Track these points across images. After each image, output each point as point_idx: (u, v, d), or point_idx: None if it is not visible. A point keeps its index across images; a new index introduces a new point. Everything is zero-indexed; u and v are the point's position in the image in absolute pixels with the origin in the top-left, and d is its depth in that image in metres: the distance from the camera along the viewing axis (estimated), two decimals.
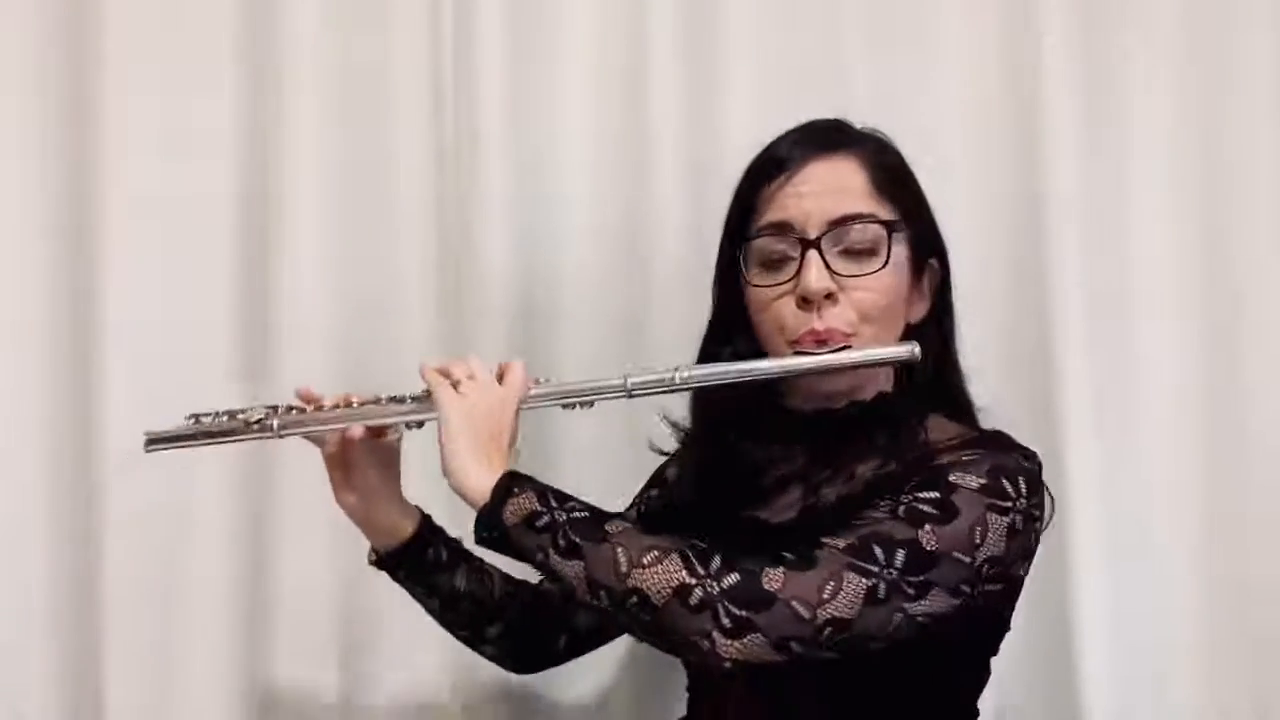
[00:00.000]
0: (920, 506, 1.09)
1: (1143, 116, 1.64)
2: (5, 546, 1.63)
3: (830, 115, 1.29)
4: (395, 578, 1.35)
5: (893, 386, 1.25)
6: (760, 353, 1.24)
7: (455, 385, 1.19)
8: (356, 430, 1.25)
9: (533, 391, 1.23)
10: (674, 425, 1.36)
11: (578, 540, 1.08)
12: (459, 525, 1.27)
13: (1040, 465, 1.17)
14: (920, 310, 1.27)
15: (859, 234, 1.19)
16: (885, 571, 1.06)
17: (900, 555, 1.06)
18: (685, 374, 1.21)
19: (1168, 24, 1.64)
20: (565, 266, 1.67)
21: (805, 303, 1.19)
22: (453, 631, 1.40)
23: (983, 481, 1.11)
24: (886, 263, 1.19)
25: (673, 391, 1.23)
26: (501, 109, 1.65)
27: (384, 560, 1.33)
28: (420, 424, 1.26)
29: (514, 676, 1.50)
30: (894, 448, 1.20)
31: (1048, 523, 1.20)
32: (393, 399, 1.26)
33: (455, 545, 1.34)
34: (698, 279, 1.40)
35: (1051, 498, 1.20)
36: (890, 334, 1.22)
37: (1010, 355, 1.60)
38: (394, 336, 1.67)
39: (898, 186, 1.23)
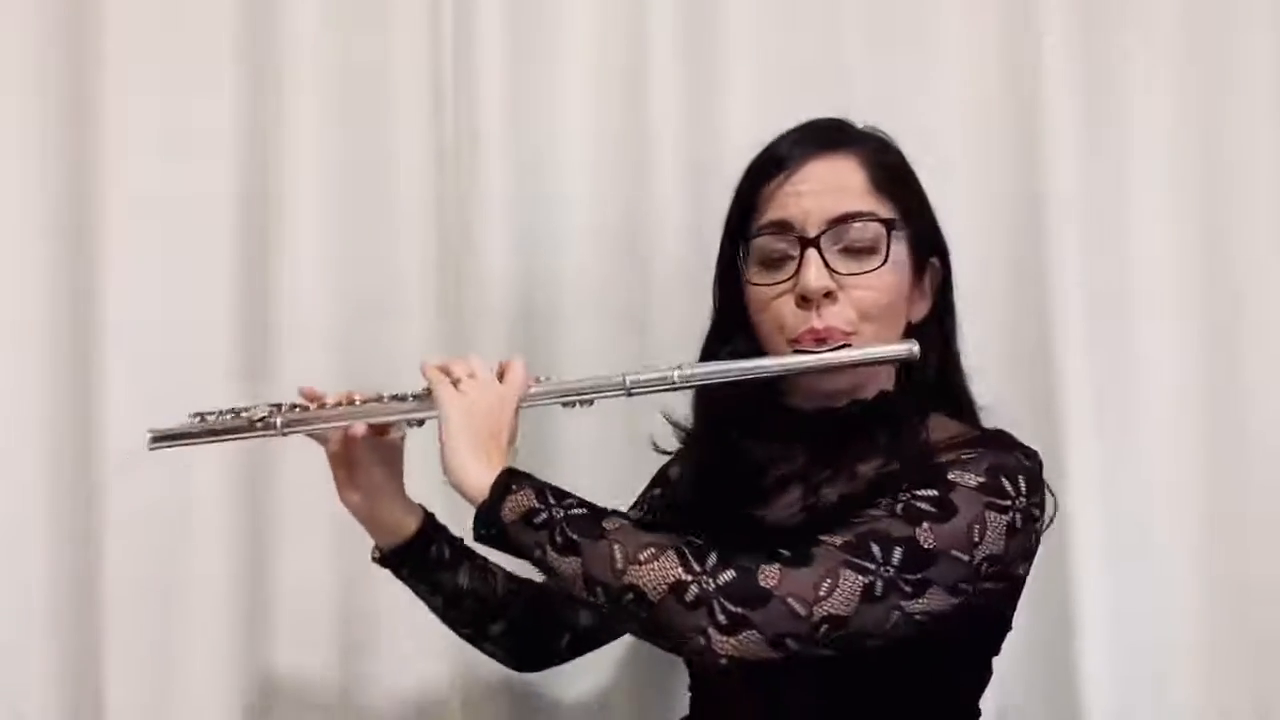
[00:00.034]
0: (918, 505, 1.09)
1: (1143, 116, 1.64)
2: (5, 546, 1.63)
3: (830, 115, 1.29)
4: (399, 575, 1.35)
5: (894, 385, 1.25)
6: (761, 352, 1.24)
7: (456, 383, 1.19)
8: (359, 428, 1.26)
9: (533, 390, 1.23)
10: (675, 424, 1.36)
11: (575, 537, 1.08)
12: (459, 524, 1.27)
13: (1041, 464, 1.17)
14: (922, 309, 1.27)
15: (858, 232, 1.19)
16: (882, 569, 1.06)
17: (898, 553, 1.06)
18: (684, 373, 1.21)
19: (1168, 24, 1.64)
20: (565, 266, 1.67)
21: (805, 301, 1.19)
22: (456, 629, 1.40)
23: (982, 480, 1.11)
24: (885, 261, 1.19)
25: (672, 390, 1.22)
26: (501, 109, 1.65)
27: (387, 558, 1.34)
28: (421, 422, 1.26)
29: (514, 676, 1.50)
30: (895, 447, 1.20)
31: (1049, 522, 1.20)
32: (395, 397, 1.26)
33: (458, 543, 1.35)
34: (698, 279, 1.40)
35: (1054, 497, 1.20)
36: (891, 333, 1.22)
37: (1010, 355, 1.60)
38: (394, 336, 1.67)
39: (898, 185, 1.23)
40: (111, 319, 1.63)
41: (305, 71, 1.67)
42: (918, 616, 1.07)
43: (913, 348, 1.18)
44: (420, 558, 1.33)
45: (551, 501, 1.11)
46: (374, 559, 1.35)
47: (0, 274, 1.65)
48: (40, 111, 1.66)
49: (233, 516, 1.63)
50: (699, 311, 1.34)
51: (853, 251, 1.19)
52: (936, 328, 1.27)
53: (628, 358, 1.53)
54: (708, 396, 1.31)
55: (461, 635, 1.41)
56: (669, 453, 1.39)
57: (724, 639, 1.04)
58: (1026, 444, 1.19)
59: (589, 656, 1.48)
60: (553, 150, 1.68)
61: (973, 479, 1.11)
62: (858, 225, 1.19)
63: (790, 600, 1.04)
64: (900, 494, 1.11)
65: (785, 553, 1.07)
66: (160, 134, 1.66)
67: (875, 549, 1.06)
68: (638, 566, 1.06)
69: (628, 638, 1.52)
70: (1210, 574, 1.61)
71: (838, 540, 1.07)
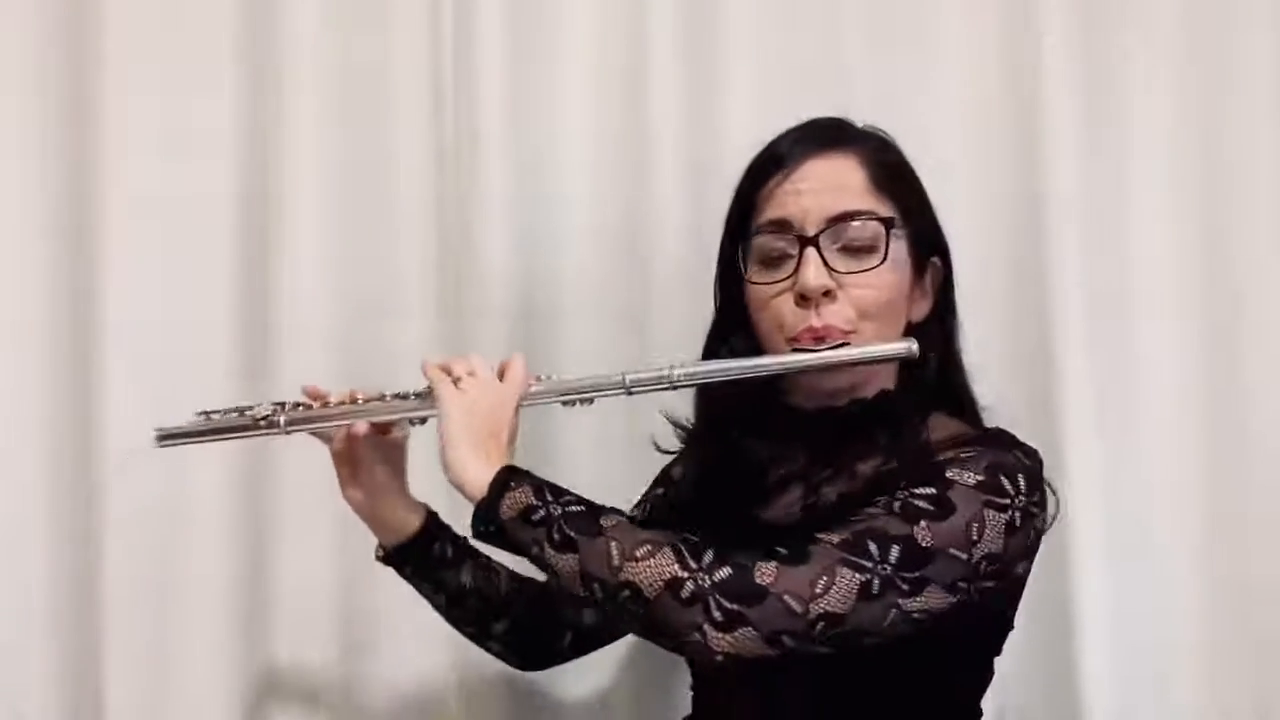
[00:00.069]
0: (916, 503, 1.09)
1: (1143, 116, 1.64)
2: (5, 546, 1.63)
3: (831, 115, 1.29)
4: (402, 574, 1.36)
5: (895, 384, 1.25)
6: (760, 350, 1.24)
7: (456, 382, 1.20)
8: (361, 427, 1.27)
9: (533, 388, 1.23)
10: (676, 424, 1.37)
11: (572, 534, 1.08)
12: (461, 522, 1.26)
13: (1041, 463, 1.17)
14: (923, 308, 1.26)
15: (857, 231, 1.19)
16: (879, 567, 1.05)
17: (895, 551, 1.06)
18: (683, 371, 1.22)
19: (1168, 24, 1.64)
20: (565, 266, 1.67)
21: (803, 300, 1.19)
22: (459, 628, 1.40)
23: (980, 478, 1.10)
24: (884, 259, 1.19)
25: (672, 389, 1.22)
26: (501, 109, 1.66)
27: (391, 556, 1.35)
28: (423, 420, 1.27)
29: (515, 675, 1.51)
30: (895, 446, 1.20)
31: (1053, 521, 1.20)
32: (397, 396, 1.27)
33: (461, 542, 1.35)
34: (698, 279, 1.40)
35: (1056, 496, 1.20)
36: (891, 331, 1.21)
37: (1010, 355, 1.60)
38: (394, 336, 1.67)
39: (897, 184, 1.23)
40: (111, 319, 1.63)
41: (305, 71, 1.67)
42: (915, 615, 1.07)
43: (911, 346, 1.18)
44: (423, 556, 1.34)
45: (549, 499, 1.11)
46: (378, 558, 1.36)
47: (0, 274, 1.65)
48: (40, 111, 1.66)
49: (233, 516, 1.63)
50: (699, 311, 1.35)
51: (852, 250, 1.19)
52: (937, 327, 1.27)
53: (628, 357, 1.53)
54: (709, 396, 1.31)
55: (465, 634, 1.41)
56: (671, 452, 1.39)
57: (720, 636, 1.03)
58: (1027, 443, 1.18)
59: (590, 655, 1.48)
60: (553, 150, 1.68)
61: (971, 477, 1.10)
62: (856, 224, 1.19)
63: (786, 597, 1.04)
64: (898, 492, 1.10)
65: (782, 550, 1.07)
66: (160, 134, 1.66)
67: (872, 547, 1.06)
68: (634, 563, 1.06)
69: (630, 637, 1.52)
70: (1211, 574, 1.61)
71: (835, 538, 1.07)
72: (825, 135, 1.24)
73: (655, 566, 1.05)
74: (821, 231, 1.19)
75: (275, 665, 1.64)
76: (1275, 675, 1.59)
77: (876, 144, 1.25)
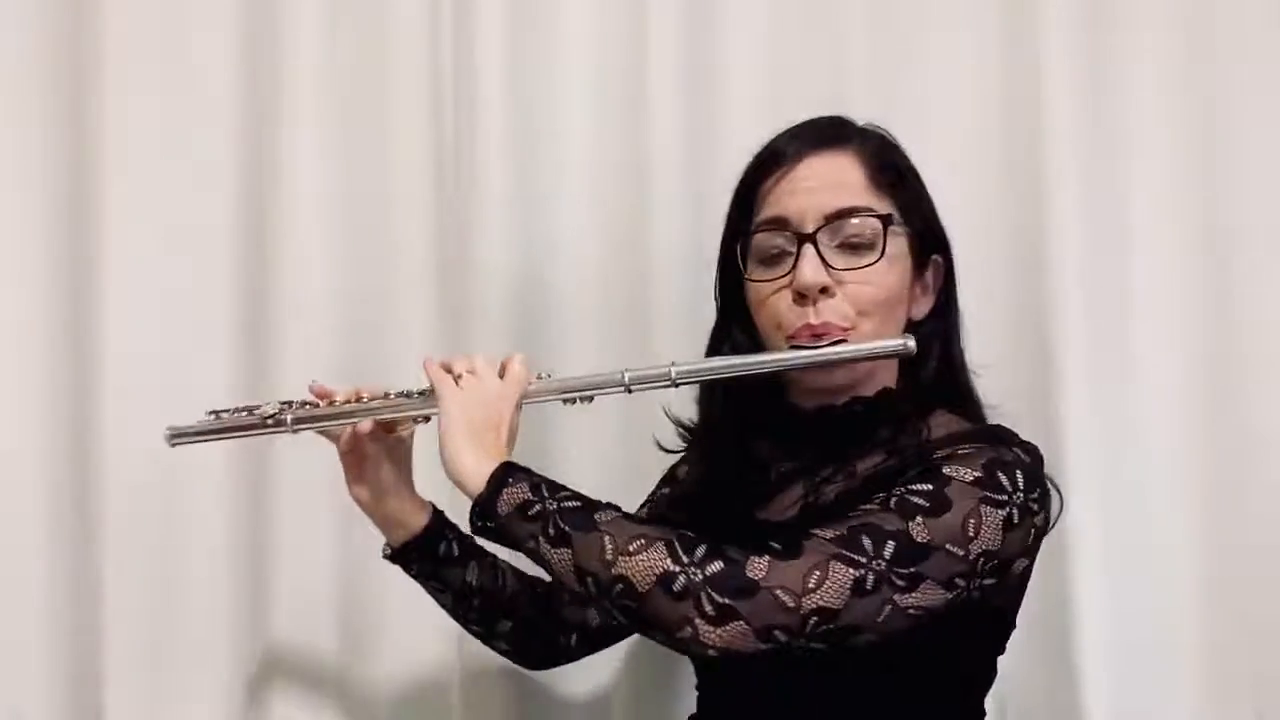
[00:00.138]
0: (912, 499, 1.09)
1: (1143, 116, 1.64)
2: (5, 546, 1.62)
3: (830, 114, 1.29)
4: (409, 572, 1.36)
5: (897, 382, 1.25)
6: (760, 348, 1.24)
7: (457, 379, 1.20)
8: (366, 425, 1.28)
9: (533, 386, 1.24)
10: (678, 423, 1.37)
11: (567, 528, 1.09)
12: (461, 520, 1.27)
13: (1041, 460, 1.17)
14: (924, 306, 1.26)
15: (855, 228, 1.19)
16: (874, 562, 1.05)
17: (890, 546, 1.06)
18: (681, 369, 1.22)
19: (1168, 24, 1.64)
20: (565, 266, 1.67)
21: (801, 297, 1.19)
22: (467, 627, 1.41)
23: (977, 475, 1.10)
24: (881, 256, 1.19)
25: (671, 386, 1.22)
26: (501, 109, 1.66)
27: (397, 554, 1.35)
28: (427, 418, 1.28)
29: (516, 672, 1.51)
30: (896, 444, 1.20)
31: (1056, 518, 1.20)
32: (401, 394, 1.28)
33: (467, 540, 1.35)
34: (697, 278, 1.40)
35: (1059, 493, 1.20)
36: (890, 329, 1.21)
37: (1010, 355, 1.60)
38: (394, 336, 1.67)
39: (896, 182, 1.23)
40: (111, 319, 1.63)
41: (305, 72, 1.67)
42: (911, 611, 1.07)
43: (908, 342, 1.18)
44: (429, 554, 1.35)
45: (546, 494, 1.11)
46: (384, 556, 1.37)
47: (0, 274, 1.65)
48: (40, 111, 1.66)
49: (233, 514, 1.63)
50: (699, 311, 1.35)
51: (850, 247, 1.19)
52: (939, 324, 1.27)
53: (628, 356, 1.53)
54: (711, 395, 1.31)
55: (472, 633, 1.42)
56: (674, 451, 1.39)
57: (711, 629, 1.04)
58: (1027, 440, 1.18)
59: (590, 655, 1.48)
60: (553, 150, 1.67)
61: (969, 474, 1.10)
62: (854, 221, 1.19)
63: (778, 592, 1.04)
64: (895, 488, 1.10)
65: (776, 545, 1.07)
66: (160, 134, 1.66)
67: (866, 542, 1.06)
68: (627, 558, 1.06)
69: (633, 635, 1.52)
70: (1210, 574, 1.60)
71: (828, 533, 1.07)
72: (824, 133, 1.24)
73: (648, 561, 1.05)
74: (819, 229, 1.19)
75: (275, 665, 1.64)
76: (1274, 675, 1.59)
77: (876, 142, 1.25)
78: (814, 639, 1.05)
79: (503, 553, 1.30)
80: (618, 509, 1.12)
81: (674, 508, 1.35)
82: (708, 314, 1.34)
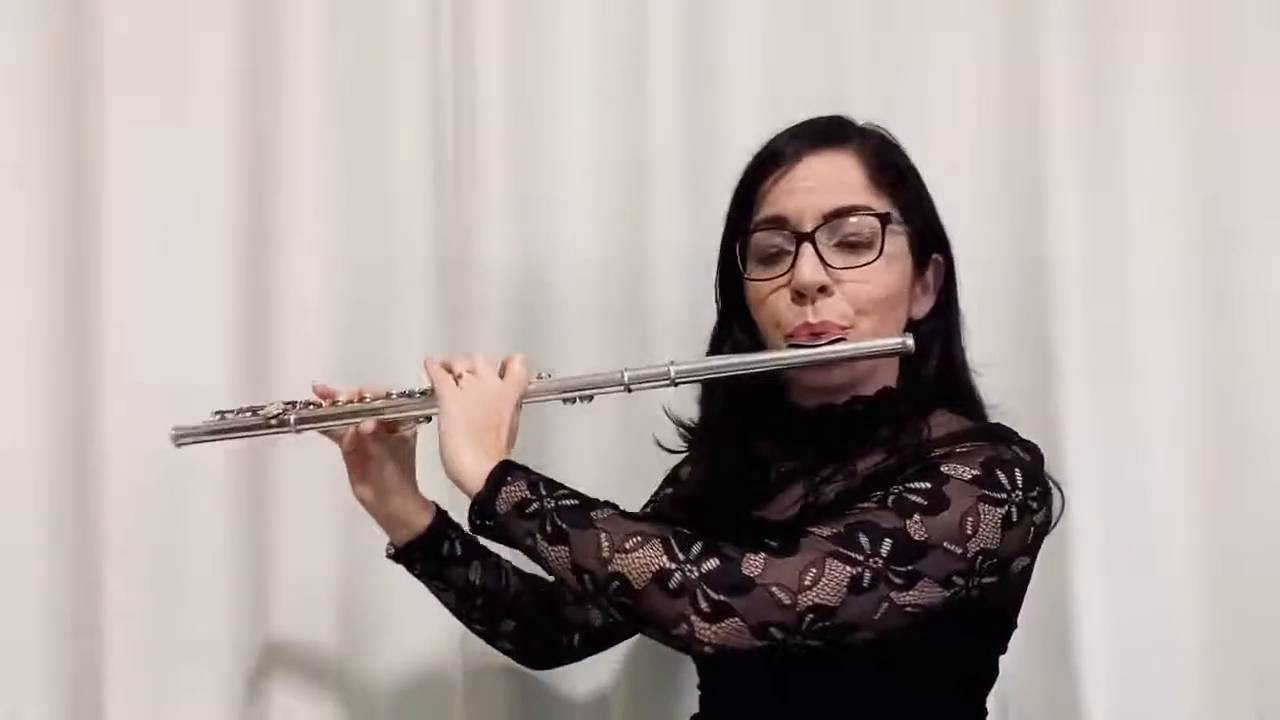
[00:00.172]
0: (910, 497, 1.09)
1: (1143, 116, 1.64)
2: (5, 546, 1.63)
3: (830, 114, 1.29)
4: (412, 571, 1.37)
5: (897, 381, 1.25)
6: (759, 347, 1.24)
7: (457, 379, 1.20)
8: (368, 425, 1.29)
9: (533, 386, 1.24)
10: (679, 423, 1.37)
11: (564, 526, 1.09)
12: (462, 519, 1.27)
13: (1041, 458, 1.17)
14: (925, 305, 1.26)
15: (853, 227, 1.19)
16: (871, 560, 1.05)
17: (887, 544, 1.06)
18: (681, 368, 1.22)
19: (1168, 24, 1.64)
20: (565, 266, 1.67)
21: (800, 296, 1.19)
22: (471, 626, 1.41)
23: (976, 473, 1.10)
24: (880, 255, 1.19)
25: (671, 386, 1.22)
26: (501, 109, 1.66)
27: (401, 554, 1.36)
28: (429, 418, 1.28)
29: (517, 671, 1.51)
30: (896, 443, 1.20)
31: (1058, 517, 1.20)
32: (403, 394, 1.28)
33: (470, 540, 1.35)
34: (698, 278, 1.40)
35: (1061, 492, 1.20)
36: (890, 328, 1.21)
37: (1010, 354, 1.60)
38: (394, 336, 1.67)
39: (896, 181, 1.23)
40: (112, 319, 1.63)
41: (305, 73, 1.67)
42: (908, 609, 1.06)
43: (907, 341, 1.18)
44: (433, 554, 1.35)
45: (543, 492, 1.11)
46: (388, 555, 1.37)
47: (0, 274, 1.65)
48: (41, 112, 1.66)
49: (234, 514, 1.63)
50: (699, 311, 1.35)
51: (848, 246, 1.19)
52: (939, 323, 1.27)
53: (628, 356, 1.53)
54: (711, 395, 1.31)
55: (476, 633, 1.42)
56: (676, 451, 1.39)
57: (707, 626, 1.04)
58: (1027, 439, 1.18)
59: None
60: (553, 150, 1.67)
61: (967, 472, 1.10)
62: (853, 220, 1.19)
63: (774, 589, 1.04)
64: (893, 487, 1.10)
65: (771, 543, 1.07)
66: (160, 134, 1.66)
67: (863, 540, 1.06)
68: (623, 555, 1.06)
69: (635, 636, 1.52)
70: (1210, 574, 1.60)
71: (825, 531, 1.07)
72: (824, 132, 1.24)
73: (644, 558, 1.06)
74: (818, 227, 1.19)
75: (277, 665, 1.64)
76: (1274, 675, 1.59)
77: (875, 141, 1.25)
78: (810, 636, 1.05)
79: (506, 552, 1.30)
80: (615, 506, 1.12)
81: (676, 507, 1.35)
82: (708, 314, 1.34)
